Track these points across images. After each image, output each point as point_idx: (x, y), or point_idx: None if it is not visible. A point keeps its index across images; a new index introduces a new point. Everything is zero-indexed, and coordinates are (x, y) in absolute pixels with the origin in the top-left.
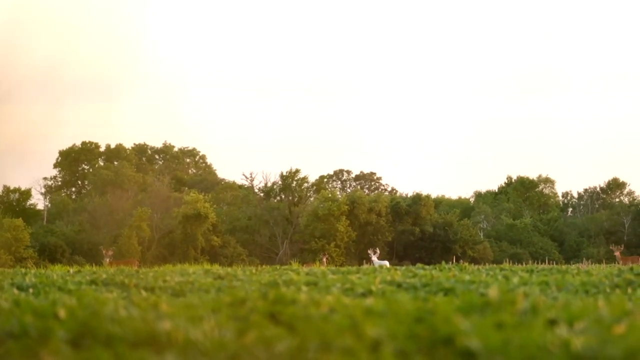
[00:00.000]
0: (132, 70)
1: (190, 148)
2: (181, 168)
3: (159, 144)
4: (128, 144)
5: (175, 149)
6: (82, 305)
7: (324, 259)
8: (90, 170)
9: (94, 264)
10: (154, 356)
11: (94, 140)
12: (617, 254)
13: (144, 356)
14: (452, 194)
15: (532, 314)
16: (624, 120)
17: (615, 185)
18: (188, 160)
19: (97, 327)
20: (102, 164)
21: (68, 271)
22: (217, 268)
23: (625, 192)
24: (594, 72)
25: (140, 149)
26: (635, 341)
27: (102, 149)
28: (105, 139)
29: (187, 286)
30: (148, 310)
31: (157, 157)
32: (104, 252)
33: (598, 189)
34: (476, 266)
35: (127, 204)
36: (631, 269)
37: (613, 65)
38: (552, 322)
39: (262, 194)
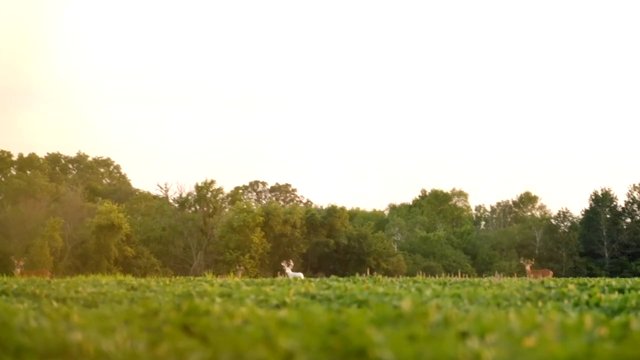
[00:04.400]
0: (45, 78)
1: (104, 158)
2: (95, 178)
3: (72, 154)
4: (41, 153)
5: (90, 159)
6: None
7: (240, 271)
8: (2, 179)
9: (4, 274)
10: None
11: (6, 149)
12: (527, 267)
13: None
14: (367, 206)
15: (444, 326)
16: (536, 135)
17: (527, 199)
18: (102, 170)
19: (7, 338)
20: (14, 172)
21: None
22: (130, 279)
23: (537, 205)
24: (505, 86)
25: (54, 159)
26: (545, 354)
27: (15, 157)
28: (17, 148)
29: (100, 297)
30: (59, 321)
31: (70, 166)
32: (15, 262)
33: (510, 203)
34: (390, 278)
35: (39, 213)
36: (542, 282)
37: (524, 80)
38: (464, 335)
39: (176, 205)
